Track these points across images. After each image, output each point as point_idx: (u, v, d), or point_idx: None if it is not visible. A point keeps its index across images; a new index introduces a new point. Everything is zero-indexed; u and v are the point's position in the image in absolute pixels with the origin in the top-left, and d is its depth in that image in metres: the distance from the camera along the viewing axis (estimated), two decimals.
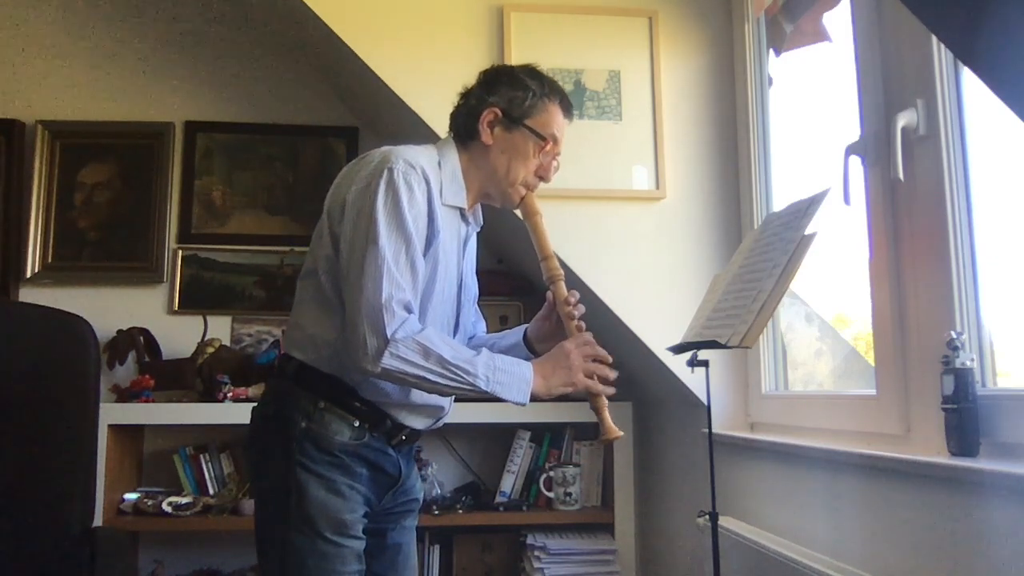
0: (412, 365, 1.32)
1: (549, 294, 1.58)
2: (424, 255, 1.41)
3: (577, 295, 1.54)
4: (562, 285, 1.55)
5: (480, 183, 1.55)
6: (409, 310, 1.34)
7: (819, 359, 2.32)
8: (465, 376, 1.34)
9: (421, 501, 1.66)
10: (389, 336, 1.30)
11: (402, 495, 1.57)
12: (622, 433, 1.48)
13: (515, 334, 1.67)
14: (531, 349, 1.63)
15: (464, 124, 1.54)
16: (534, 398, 1.41)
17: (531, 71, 1.56)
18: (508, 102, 1.51)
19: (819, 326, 2.31)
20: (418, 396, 1.48)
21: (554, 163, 1.57)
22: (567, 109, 1.57)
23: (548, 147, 1.53)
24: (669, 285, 2.28)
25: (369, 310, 1.31)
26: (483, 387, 1.36)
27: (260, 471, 1.48)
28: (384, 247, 1.33)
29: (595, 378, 1.46)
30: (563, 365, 1.44)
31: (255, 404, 1.51)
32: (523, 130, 1.51)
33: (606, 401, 1.48)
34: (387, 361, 1.30)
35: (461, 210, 1.53)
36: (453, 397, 1.56)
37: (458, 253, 1.54)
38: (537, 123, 1.52)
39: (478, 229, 1.62)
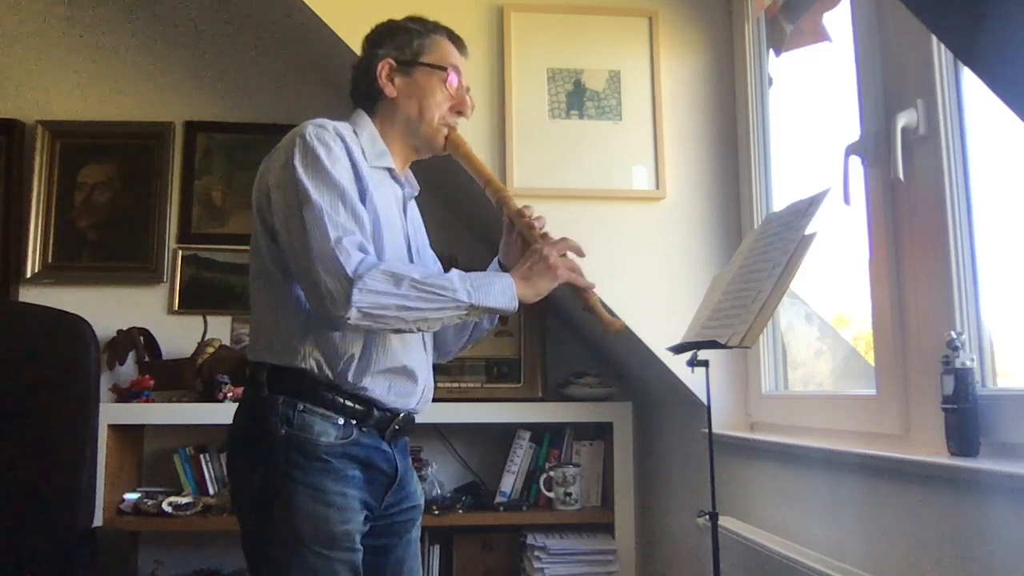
0: (386, 295, 1.24)
1: (504, 217, 1.53)
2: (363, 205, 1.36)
3: (532, 208, 1.51)
4: (512, 202, 1.51)
5: (401, 137, 1.51)
6: (364, 250, 1.28)
7: (819, 359, 2.32)
8: (444, 292, 1.28)
9: (423, 507, 1.59)
10: (351, 273, 1.23)
11: (404, 499, 1.50)
12: (623, 323, 1.43)
13: (490, 268, 1.59)
14: None
15: (364, 88, 1.51)
16: (522, 303, 1.37)
17: (410, 17, 1.56)
18: (397, 49, 1.49)
19: (819, 326, 2.31)
20: (397, 358, 1.40)
21: (468, 98, 1.53)
22: (456, 41, 1.55)
23: (452, 78, 1.50)
24: (669, 285, 2.28)
25: (322, 257, 1.24)
26: (466, 299, 1.29)
27: (243, 488, 1.40)
28: (318, 200, 1.28)
29: (580, 273, 1.43)
30: (542, 263, 1.39)
31: (230, 423, 1.45)
32: (421, 68, 1.49)
33: (597, 296, 1.44)
34: (358, 298, 1.22)
35: (391, 171, 1.50)
36: (430, 368, 1.51)
37: (399, 215, 1.50)
38: (432, 58, 1.50)
39: (415, 194, 1.58)
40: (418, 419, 1.53)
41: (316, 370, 1.35)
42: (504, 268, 1.54)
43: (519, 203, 1.53)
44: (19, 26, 2.98)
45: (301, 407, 1.34)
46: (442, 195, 1.64)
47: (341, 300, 1.23)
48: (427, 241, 1.64)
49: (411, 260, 1.50)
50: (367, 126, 1.49)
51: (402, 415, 1.46)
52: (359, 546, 1.37)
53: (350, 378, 1.36)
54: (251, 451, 1.37)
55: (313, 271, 1.25)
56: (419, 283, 1.27)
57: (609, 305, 2.21)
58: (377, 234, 1.37)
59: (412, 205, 1.59)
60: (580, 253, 1.45)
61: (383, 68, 1.48)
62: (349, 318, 1.24)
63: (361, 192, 1.36)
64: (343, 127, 1.42)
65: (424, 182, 1.65)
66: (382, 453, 1.43)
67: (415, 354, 1.46)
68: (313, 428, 1.34)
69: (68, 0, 3.00)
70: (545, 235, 1.47)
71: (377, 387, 1.40)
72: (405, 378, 1.44)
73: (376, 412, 1.41)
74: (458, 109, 1.52)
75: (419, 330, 1.34)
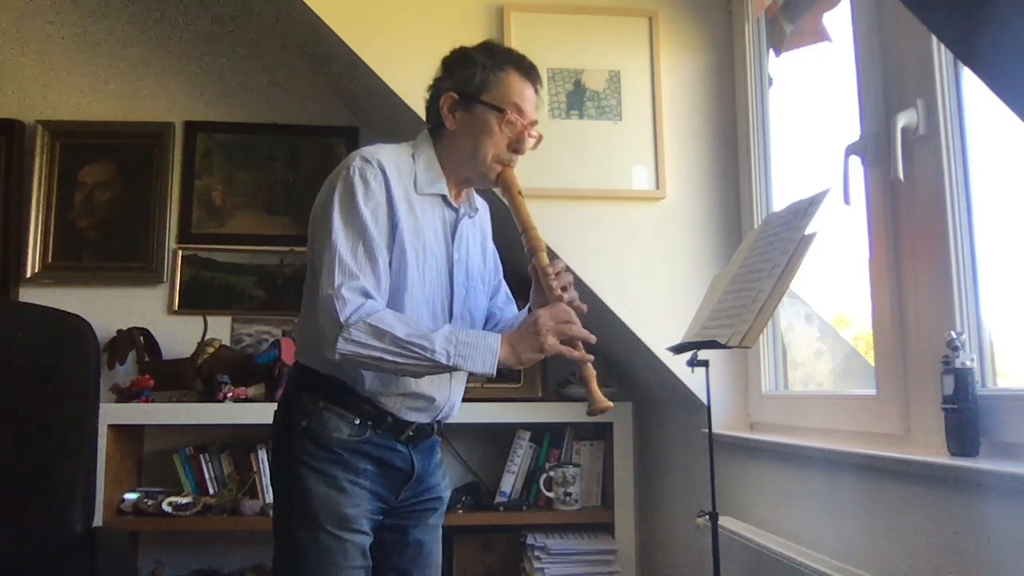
0: (365, 347, 1.34)
1: (531, 266, 1.54)
2: (392, 244, 1.44)
3: (562, 264, 1.52)
4: (543, 255, 1.52)
5: (456, 168, 1.55)
6: (367, 295, 1.37)
7: (819, 359, 2.32)
8: (422, 352, 1.35)
9: (447, 500, 1.67)
10: (342, 321, 1.33)
11: (425, 492, 1.59)
12: (611, 404, 1.43)
13: (524, 312, 1.66)
14: None
15: (432, 115, 1.56)
16: (503, 367, 1.40)
17: (483, 46, 1.56)
18: (461, 83, 1.51)
19: (819, 326, 2.31)
20: (410, 386, 1.48)
21: (530, 134, 1.54)
22: (527, 74, 1.53)
23: (511, 117, 1.49)
24: (669, 285, 2.28)
25: (323, 301, 1.36)
26: (444, 361, 1.36)
27: (273, 469, 1.56)
28: (337, 240, 1.38)
29: (575, 345, 1.43)
30: (531, 331, 1.41)
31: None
32: (480, 106, 1.50)
33: (593, 372, 1.45)
34: (341, 346, 1.34)
35: (443, 196, 1.54)
36: (453, 389, 1.57)
37: (444, 240, 1.54)
38: (493, 97, 1.50)
39: (473, 214, 1.61)
40: None
41: (338, 376, 1.47)
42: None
43: (546, 253, 1.53)
44: (19, 26, 2.98)
45: (321, 404, 1.47)
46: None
47: (329, 343, 1.35)
48: (489, 259, 1.67)
49: (452, 282, 1.54)
50: (426, 151, 1.54)
51: (415, 425, 1.53)
52: (367, 531, 1.47)
53: (368, 391, 1.47)
54: (279, 438, 1.51)
55: (317, 309, 1.37)
56: (400, 340, 1.35)
57: (609, 305, 2.22)
58: (401, 268, 1.45)
59: (471, 224, 1.62)
60: (580, 335, 1.44)
61: (445, 101, 1.52)
62: (335, 359, 1.37)
63: (393, 225, 1.44)
64: (397, 156, 1.49)
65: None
66: (397, 453, 1.51)
67: (436, 381, 1.52)
68: (329, 424, 1.46)
69: (68, 0, 3.00)
70: (561, 298, 1.47)
71: (391, 403, 1.49)
72: (420, 400, 1.52)
73: (390, 419, 1.50)
74: (515, 147, 1.53)
75: (403, 375, 1.45)
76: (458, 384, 1.59)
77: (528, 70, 1.54)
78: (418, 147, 1.55)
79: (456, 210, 1.57)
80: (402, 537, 1.57)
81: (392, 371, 1.41)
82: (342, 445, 1.45)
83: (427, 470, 1.58)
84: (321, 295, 1.36)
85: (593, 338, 1.45)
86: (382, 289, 1.41)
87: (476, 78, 1.50)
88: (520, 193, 1.54)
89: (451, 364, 1.37)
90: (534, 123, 1.54)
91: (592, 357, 1.45)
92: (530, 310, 1.59)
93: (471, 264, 1.60)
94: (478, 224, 1.65)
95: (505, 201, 1.56)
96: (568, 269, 1.53)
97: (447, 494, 1.67)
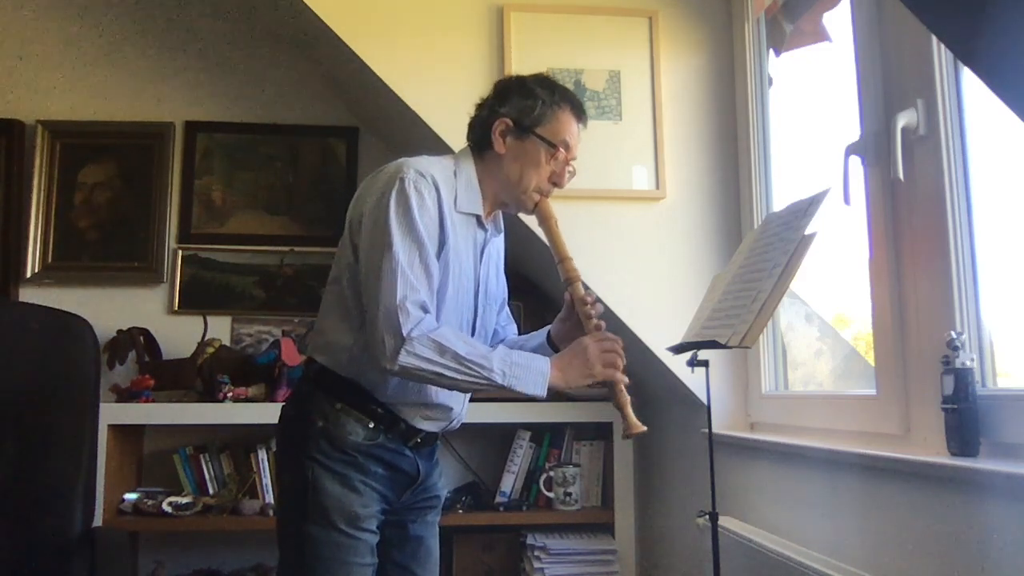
0: (428, 362, 1.36)
1: (567, 295, 1.61)
2: (437, 258, 1.46)
3: (595, 295, 1.58)
4: (580, 286, 1.58)
5: (495, 191, 1.58)
6: (425, 310, 1.40)
7: (819, 359, 2.32)
8: (480, 371, 1.39)
9: (443, 498, 1.72)
10: (405, 335, 1.35)
11: (422, 492, 1.62)
12: (646, 428, 1.49)
13: (540, 336, 1.71)
14: (555, 350, 1.65)
15: (478, 134, 1.59)
16: (553, 391, 1.45)
17: (542, 80, 1.61)
18: (518, 112, 1.55)
19: (819, 326, 2.31)
20: (431, 396, 1.52)
21: (568, 169, 1.60)
22: (579, 115, 1.61)
23: (559, 154, 1.56)
24: (669, 285, 2.28)
25: (386, 312, 1.37)
26: (499, 381, 1.40)
27: (282, 466, 1.57)
28: (398, 251, 1.39)
29: (614, 370, 1.49)
30: (581, 357, 1.47)
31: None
32: (533, 138, 1.55)
33: (628, 397, 1.51)
34: (404, 359, 1.35)
35: (477, 217, 1.57)
36: (466, 400, 1.62)
37: (474, 259, 1.57)
38: (547, 131, 1.56)
39: (498, 235, 1.66)
40: None
41: (358, 380, 1.49)
42: (551, 340, 1.68)
43: (581, 284, 1.59)
44: (19, 26, 2.98)
45: (338, 406, 1.48)
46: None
47: (391, 355, 1.36)
48: (503, 280, 1.71)
49: (476, 304, 1.59)
50: (468, 169, 1.57)
51: (425, 432, 1.57)
52: (376, 530, 1.50)
53: (386, 397, 1.50)
54: (291, 437, 1.53)
55: (376, 320, 1.38)
56: (462, 358, 1.38)
57: (609, 305, 2.22)
58: (443, 283, 1.48)
59: (493, 243, 1.65)
60: (623, 356, 1.51)
61: (499, 125, 1.55)
62: (393, 370, 1.38)
63: (441, 242, 1.47)
64: (442, 171, 1.51)
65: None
66: (406, 458, 1.54)
67: (454, 394, 1.55)
68: (345, 426, 1.48)
69: (68, 1, 3.00)
70: (599, 327, 1.54)
71: (409, 412, 1.52)
72: (438, 410, 1.55)
73: (403, 425, 1.52)
74: (555, 180, 1.59)
75: (452, 389, 1.48)
76: (468, 396, 1.63)
77: (580, 110, 1.61)
78: (460, 164, 1.57)
79: (486, 230, 1.60)
80: (402, 532, 1.60)
81: (446, 386, 1.44)
82: (356, 448, 1.47)
83: (428, 472, 1.63)
84: (384, 305, 1.37)
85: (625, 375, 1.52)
86: (434, 304, 1.44)
87: (535, 111, 1.55)
88: (556, 224, 1.59)
89: (505, 384, 1.40)
90: (575, 158, 1.61)
91: (628, 381, 1.51)
92: (549, 334, 1.67)
93: (490, 283, 1.65)
94: (498, 245, 1.69)
95: (542, 230, 1.61)
96: (599, 300, 1.59)
97: (443, 493, 1.71)
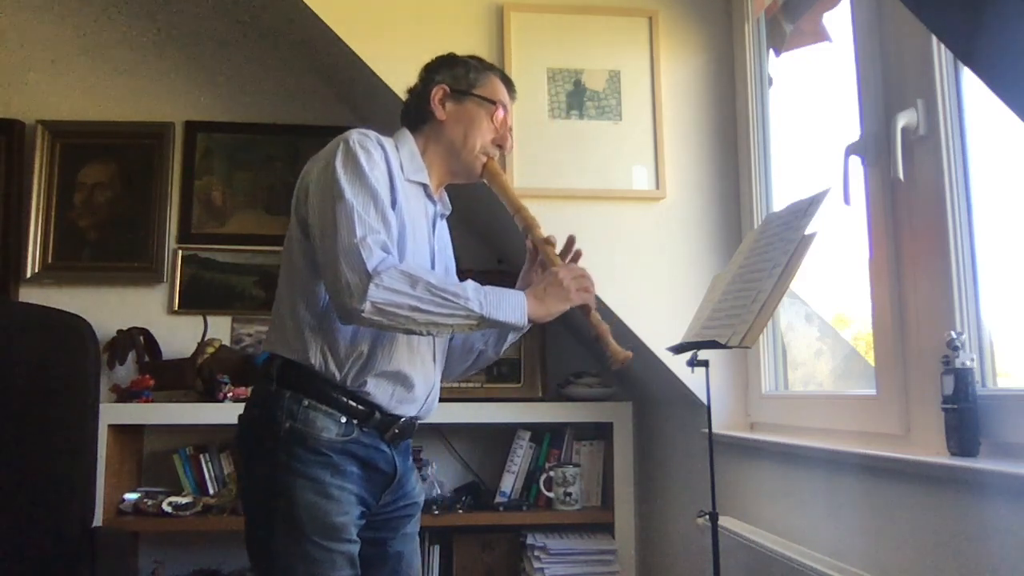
0: (400, 294, 1.29)
1: (529, 243, 1.60)
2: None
3: (555, 237, 1.57)
4: (539, 230, 1.57)
5: (441, 159, 1.58)
6: (387, 250, 1.34)
7: (819, 359, 2.32)
8: (456, 300, 1.33)
9: (421, 505, 1.64)
10: (371, 270, 1.29)
11: (401, 498, 1.56)
12: (631, 353, 1.47)
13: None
14: None
15: (415, 109, 1.59)
16: (532, 321, 1.42)
17: (470, 55, 1.65)
18: (453, 78, 1.58)
19: (819, 326, 2.31)
20: (385, 363, 1.43)
21: (509, 135, 1.61)
22: (508, 85, 1.63)
23: (499, 113, 1.58)
24: (669, 285, 2.28)
25: (346, 251, 1.30)
26: (477, 310, 1.35)
27: (247, 477, 1.47)
28: (350, 199, 1.34)
29: (589, 295, 1.48)
30: (555, 285, 1.46)
31: (230, 423, 1.50)
32: (473, 98, 1.57)
33: (606, 325, 1.49)
34: (374, 294, 1.28)
35: (425, 187, 1.55)
36: (434, 376, 1.55)
37: (428, 230, 1.55)
38: (484, 91, 1.58)
39: (446, 214, 1.64)
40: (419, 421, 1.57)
41: (323, 367, 1.41)
42: None
43: (540, 228, 1.59)
44: (19, 26, 2.98)
45: (306, 403, 1.40)
46: (456, 208, 1.69)
47: (359, 293, 1.28)
48: (454, 262, 1.68)
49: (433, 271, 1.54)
50: (409, 143, 1.56)
51: (403, 420, 1.50)
52: (356, 538, 1.42)
53: (354, 377, 1.42)
54: (257, 442, 1.43)
55: (336, 263, 1.31)
56: (434, 287, 1.32)
57: (609, 305, 2.22)
58: (402, 241, 1.43)
59: (443, 225, 1.64)
60: (592, 282, 1.51)
61: (437, 92, 1.56)
62: (363, 311, 1.29)
63: (393, 200, 1.42)
64: (385, 140, 1.49)
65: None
66: (382, 454, 1.48)
67: (419, 364, 1.50)
68: (316, 423, 1.40)
69: (68, 1, 3.00)
70: (565, 261, 1.54)
71: (379, 392, 1.45)
72: (404, 385, 1.48)
73: (378, 415, 1.45)
74: (499, 142, 1.60)
75: (429, 333, 1.41)
76: (437, 373, 1.58)
77: (509, 81, 1.64)
78: (399, 140, 1.55)
79: (435, 204, 1.59)
80: (381, 551, 1.54)
81: (423, 324, 1.33)
82: (330, 445, 1.39)
83: (406, 473, 1.56)
84: (342, 245, 1.30)
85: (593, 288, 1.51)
86: (395, 252, 1.38)
87: (469, 75, 1.59)
88: (506, 179, 1.61)
89: (484, 313, 1.35)
90: (511, 129, 1.63)
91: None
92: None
93: (447, 261, 1.64)
94: (446, 232, 1.66)
95: (494, 189, 1.61)
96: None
97: (421, 499, 1.64)
